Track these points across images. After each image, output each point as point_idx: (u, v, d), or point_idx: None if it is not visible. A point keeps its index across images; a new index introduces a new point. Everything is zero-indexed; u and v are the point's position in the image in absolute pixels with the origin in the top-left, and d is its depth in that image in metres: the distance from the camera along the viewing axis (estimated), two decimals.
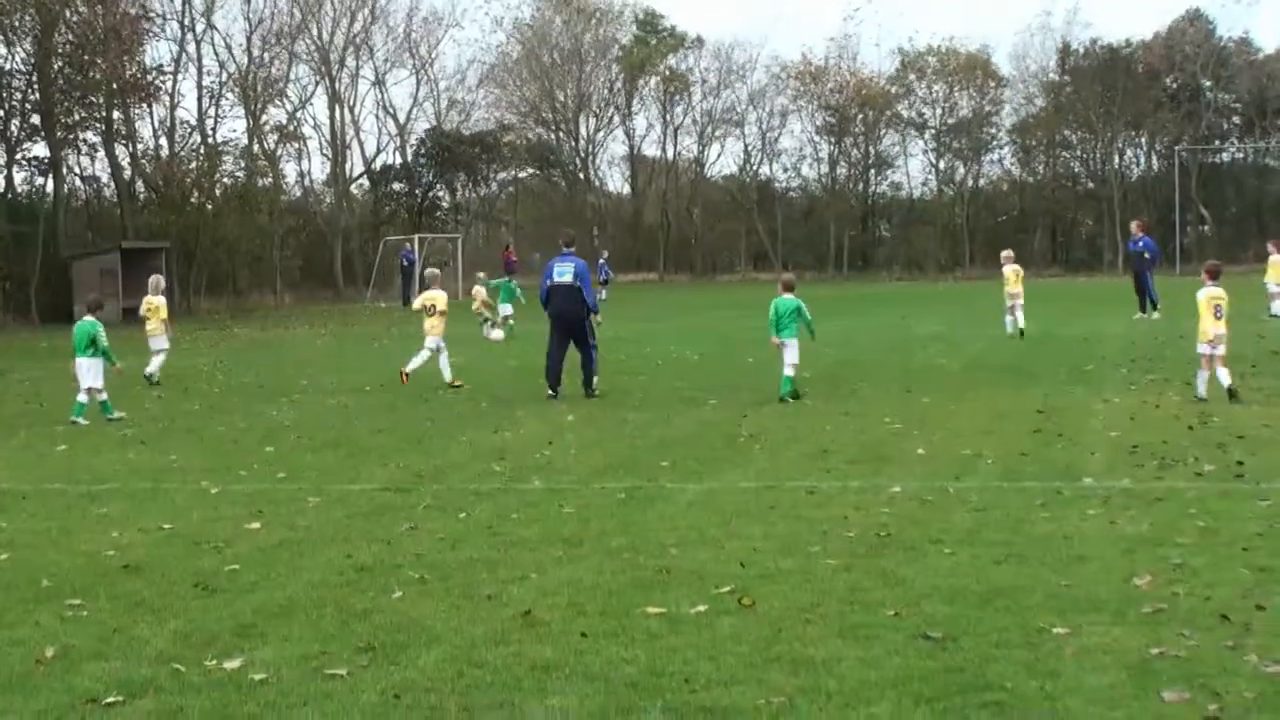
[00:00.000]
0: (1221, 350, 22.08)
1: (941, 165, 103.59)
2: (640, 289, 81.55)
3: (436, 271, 30.48)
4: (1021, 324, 34.96)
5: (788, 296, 23.79)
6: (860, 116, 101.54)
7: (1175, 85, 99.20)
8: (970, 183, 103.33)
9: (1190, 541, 11.75)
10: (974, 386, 24.68)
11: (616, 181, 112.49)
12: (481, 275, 34.59)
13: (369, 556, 12.00)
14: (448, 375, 27.21)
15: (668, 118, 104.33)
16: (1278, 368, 26.39)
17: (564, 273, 24.99)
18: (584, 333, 24.99)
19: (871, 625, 9.39)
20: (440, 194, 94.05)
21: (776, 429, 19.70)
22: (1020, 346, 32.54)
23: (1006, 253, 39.90)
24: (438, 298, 28.27)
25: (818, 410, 21.79)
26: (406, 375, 27.39)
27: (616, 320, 47.33)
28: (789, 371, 23.46)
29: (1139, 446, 17.15)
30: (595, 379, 25.04)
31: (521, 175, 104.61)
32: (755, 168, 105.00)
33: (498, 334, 37.09)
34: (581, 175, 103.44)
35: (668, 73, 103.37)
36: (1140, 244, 44.59)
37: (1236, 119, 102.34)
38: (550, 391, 24.80)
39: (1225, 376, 21.89)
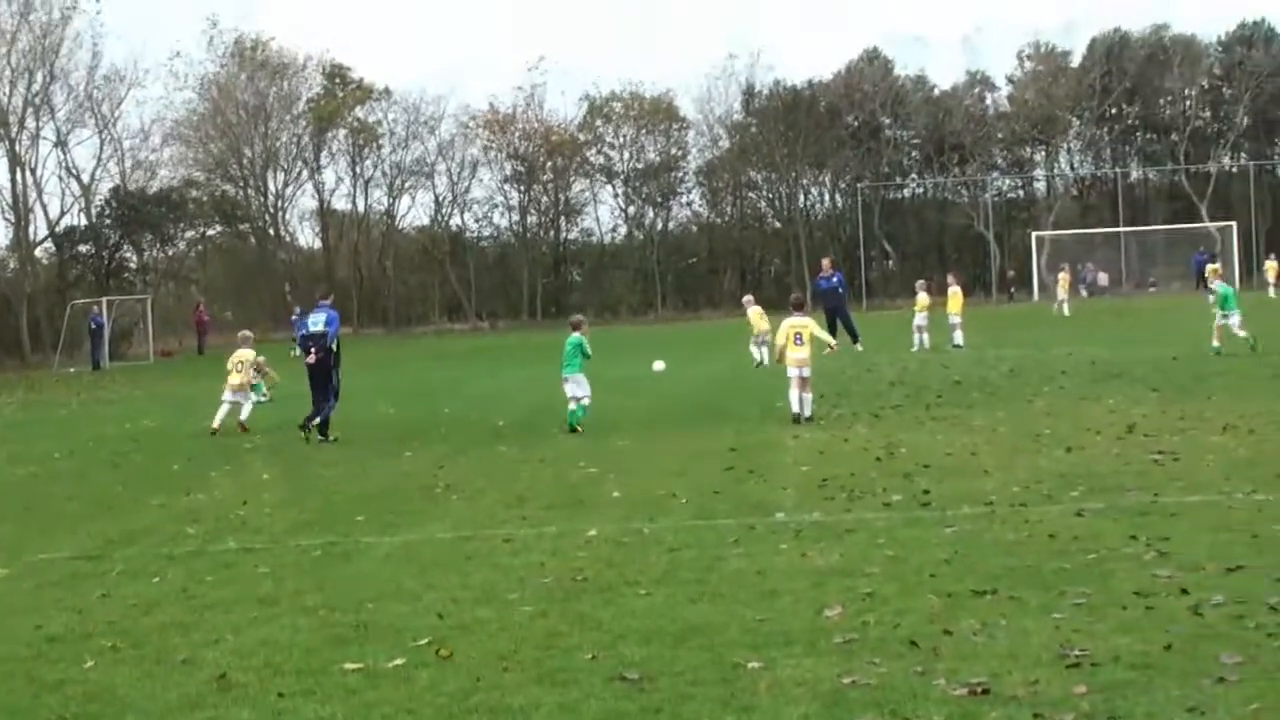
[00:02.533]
0: (808, 373, 25.00)
1: (631, 210, 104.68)
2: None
3: (248, 334, 33.15)
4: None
5: (575, 335, 25.41)
6: (549, 164, 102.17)
7: (856, 123, 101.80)
8: (660, 226, 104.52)
9: (879, 571, 12.02)
10: (668, 427, 24.98)
11: (308, 236, 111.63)
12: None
13: (60, 626, 11.73)
14: (244, 415, 29.34)
15: (357, 170, 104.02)
16: (961, 398, 27.14)
17: (316, 322, 26.71)
18: (327, 379, 26.36)
19: (569, 669, 9.44)
20: (128, 254, 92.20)
21: (473, 478, 19.71)
22: (713, 386, 33.01)
23: (748, 297, 41.66)
24: (245, 355, 30.62)
25: (513, 457, 21.86)
26: (244, 426, 29.09)
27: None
28: (571, 405, 25.13)
29: (829, 480, 17.52)
30: (323, 423, 26.18)
31: (209, 232, 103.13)
32: (446, 218, 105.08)
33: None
34: (271, 231, 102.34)
35: (356, 124, 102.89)
36: (835, 280, 45.62)
37: (915, 155, 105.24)
38: (302, 433, 26.25)
39: (807, 398, 24.92)
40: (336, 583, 12.89)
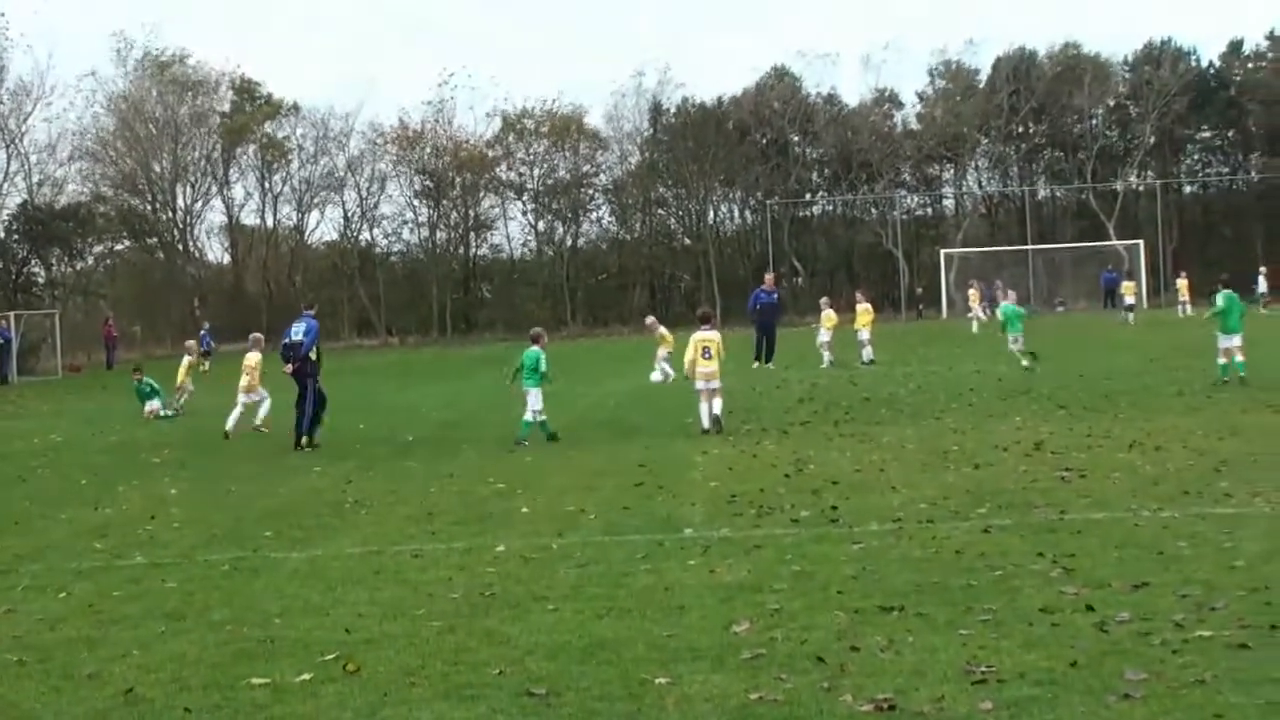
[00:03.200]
0: (716, 385, 25.80)
1: (541, 226, 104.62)
2: (243, 358, 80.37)
3: (259, 337, 34.87)
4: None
5: (533, 349, 25.89)
6: (458, 180, 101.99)
7: (765, 141, 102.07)
8: (570, 242, 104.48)
9: (787, 587, 12.05)
10: (577, 443, 24.98)
11: (216, 251, 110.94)
12: (257, 337, 34.59)
13: None
14: (259, 416, 31.17)
15: (266, 186, 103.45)
16: (869, 415, 27.27)
17: (296, 331, 27.63)
18: (306, 387, 27.05)
19: (476, 685, 9.42)
20: (35, 269, 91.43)
21: (381, 493, 19.64)
22: (623, 402, 33.03)
23: (650, 319, 42.11)
24: (251, 359, 32.58)
25: (422, 473, 21.79)
26: (260, 428, 30.72)
27: (219, 391, 46.56)
28: (528, 416, 25.40)
29: (737, 495, 17.56)
30: (307, 433, 26.86)
31: (118, 247, 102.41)
32: (356, 234, 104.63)
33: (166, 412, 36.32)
34: (180, 246, 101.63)
35: (265, 140, 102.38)
36: (775, 296, 45.99)
37: (824, 172, 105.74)
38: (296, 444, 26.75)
39: (716, 409, 25.57)
40: (244, 598, 12.80)
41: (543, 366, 25.70)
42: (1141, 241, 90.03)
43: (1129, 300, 68.30)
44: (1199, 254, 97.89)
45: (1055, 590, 11.37)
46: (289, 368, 27.23)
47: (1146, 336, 50.13)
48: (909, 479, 18.38)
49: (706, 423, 25.45)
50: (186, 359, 37.26)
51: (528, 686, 9.28)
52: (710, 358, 25.88)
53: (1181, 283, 72.48)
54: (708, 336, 26.18)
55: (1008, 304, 41.19)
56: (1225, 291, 31.08)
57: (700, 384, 25.91)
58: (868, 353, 44.04)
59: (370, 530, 16.59)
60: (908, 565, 12.72)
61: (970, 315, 64.68)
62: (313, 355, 27.05)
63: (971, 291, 68.27)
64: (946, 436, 23.04)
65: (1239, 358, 30.13)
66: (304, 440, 26.59)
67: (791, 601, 11.45)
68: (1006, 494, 16.70)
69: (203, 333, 69.91)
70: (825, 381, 37.28)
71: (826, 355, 43.74)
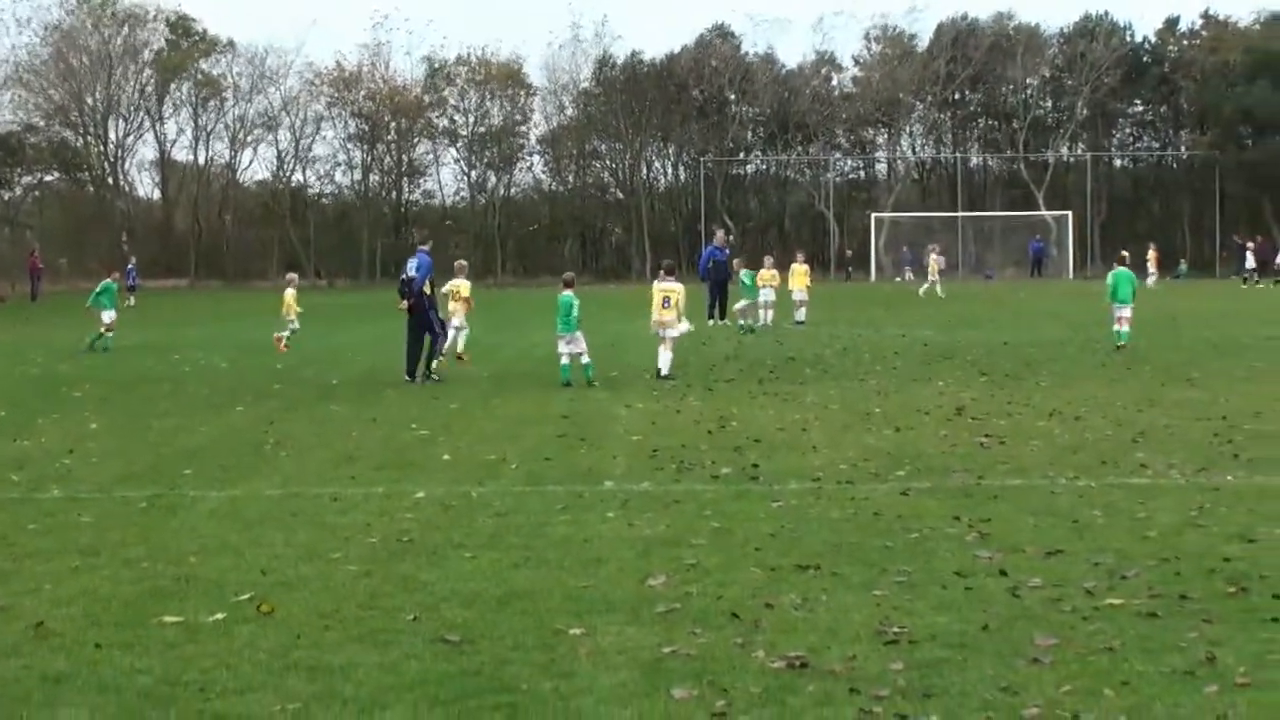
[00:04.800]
0: (674, 334, 27.13)
1: (474, 174, 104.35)
2: (170, 295, 79.95)
3: (464, 263, 35.00)
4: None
5: (566, 293, 26.37)
6: (393, 124, 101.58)
7: (703, 98, 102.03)
8: (502, 192, 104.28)
9: (705, 542, 12.08)
10: (501, 392, 24.95)
11: (147, 187, 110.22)
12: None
13: None
14: (460, 347, 31.62)
15: (200, 122, 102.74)
16: (794, 374, 27.35)
17: (411, 267, 27.56)
18: (426, 320, 27.09)
19: (390, 630, 9.41)
20: None
21: (303, 435, 19.57)
22: (547, 353, 32.97)
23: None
24: (462, 285, 32.86)
25: (345, 416, 21.73)
26: (462, 358, 31.25)
27: (144, 327, 46.35)
28: (565, 360, 26.02)
29: (659, 450, 17.59)
30: (434, 363, 27.24)
31: (47, 179, 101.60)
32: (289, 174, 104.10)
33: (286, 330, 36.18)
34: (110, 180, 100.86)
35: (201, 77, 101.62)
36: (726, 253, 46.09)
37: (760, 132, 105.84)
38: (406, 378, 26.88)
39: (666, 360, 26.77)
40: (160, 535, 12.74)
41: (575, 311, 26.15)
42: (1070, 213, 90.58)
43: (1151, 270, 69.01)
44: (1127, 227, 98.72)
45: (970, 554, 11.44)
46: (405, 304, 27.28)
47: (1072, 307, 50.41)
48: (830, 439, 18.45)
49: (661, 366, 26.77)
50: (291, 290, 37.22)
51: (442, 633, 9.28)
52: (669, 307, 27.13)
53: (1151, 254, 72.71)
54: (669, 287, 27.49)
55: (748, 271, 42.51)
56: (1117, 270, 33.12)
57: (659, 331, 27.20)
58: (802, 313, 44.15)
59: (290, 472, 16.53)
60: (825, 525, 12.77)
61: (931, 280, 64.61)
62: (427, 289, 26.96)
63: (932, 258, 68.17)
64: (869, 399, 23.13)
65: (1125, 328, 31.98)
66: (429, 370, 26.96)
67: (709, 557, 11.47)
68: (926, 458, 16.79)
69: (129, 268, 69.46)
70: (751, 340, 37.37)
71: (765, 316, 43.75)
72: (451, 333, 31.17)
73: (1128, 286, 32.40)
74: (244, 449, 18.45)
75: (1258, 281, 71.73)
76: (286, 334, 35.75)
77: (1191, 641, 8.90)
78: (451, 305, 32.08)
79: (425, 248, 28.23)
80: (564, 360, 25.96)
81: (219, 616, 9.80)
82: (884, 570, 10.93)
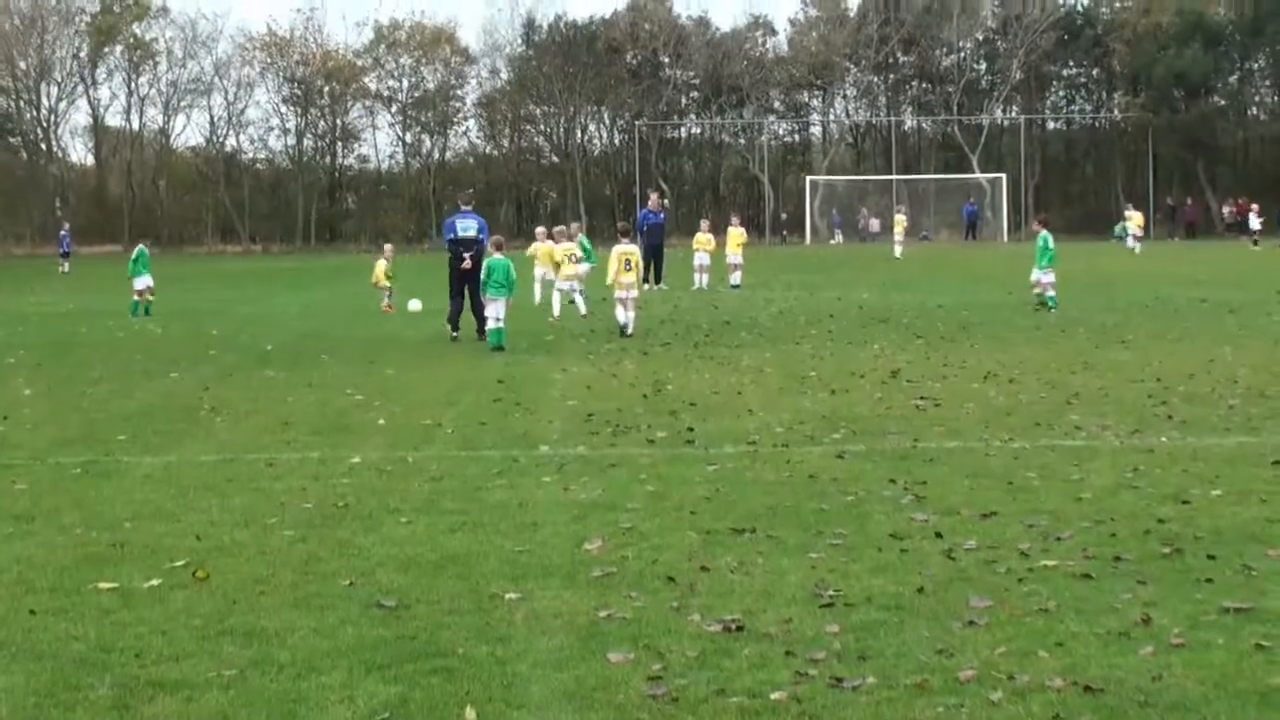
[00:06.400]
0: (634, 294, 28.64)
1: (409, 138, 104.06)
2: (104, 261, 79.35)
3: (577, 225, 37.92)
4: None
5: (497, 256, 26.75)
6: (326, 89, 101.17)
7: (637, 62, 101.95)
8: (437, 155, 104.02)
9: (640, 506, 12.08)
10: (436, 357, 24.94)
11: (80, 152, 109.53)
12: (389, 247, 35.05)
13: None
14: (581, 310, 33.00)
15: (133, 88, 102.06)
16: (729, 338, 27.40)
17: (468, 228, 28.23)
18: (478, 277, 27.09)
19: (326, 595, 9.39)
20: None
21: (238, 401, 19.47)
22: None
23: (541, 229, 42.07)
24: (573, 248, 35.13)
25: (280, 381, 21.65)
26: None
27: (78, 294, 46.10)
28: (494, 324, 26.21)
29: (595, 414, 17.58)
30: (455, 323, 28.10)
31: None
32: (222, 139, 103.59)
33: (413, 304, 35.96)
34: (44, 145, 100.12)
35: (133, 41, 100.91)
36: (661, 217, 46.20)
37: (694, 95, 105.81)
38: (454, 334, 27.97)
39: (630, 318, 28.32)
40: (95, 502, 12.67)
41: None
42: (1004, 175, 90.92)
43: (1136, 231, 68.59)
44: (1060, 189, 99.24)
45: (905, 517, 11.49)
46: (468, 263, 27.66)
47: (1006, 270, 50.59)
48: (766, 403, 18.48)
49: (622, 320, 28.27)
50: (383, 261, 37.23)
51: (378, 598, 9.26)
52: (630, 269, 28.48)
53: (1134, 215, 71.53)
54: (628, 249, 29.00)
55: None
56: (1044, 233, 33.98)
57: (621, 293, 28.33)
58: (737, 276, 44.19)
59: (225, 438, 16.45)
60: (761, 488, 12.80)
61: (897, 241, 64.86)
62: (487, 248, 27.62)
63: (898, 217, 68.31)
64: (805, 362, 23.18)
65: (1050, 292, 33.04)
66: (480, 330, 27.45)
67: (644, 521, 11.48)
68: (861, 420, 16.83)
69: (63, 234, 68.99)
70: (687, 303, 37.40)
71: (700, 279, 43.84)
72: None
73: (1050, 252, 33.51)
74: (179, 415, 18.35)
75: (1256, 242, 70.50)
76: (385, 299, 36.43)
77: (1126, 603, 8.96)
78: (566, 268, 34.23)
79: (471, 207, 29.20)
80: (496, 324, 26.09)
81: (154, 583, 9.76)
82: (819, 533, 10.97)
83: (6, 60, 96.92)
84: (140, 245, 38.15)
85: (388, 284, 36.68)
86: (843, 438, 15.63)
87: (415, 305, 35.34)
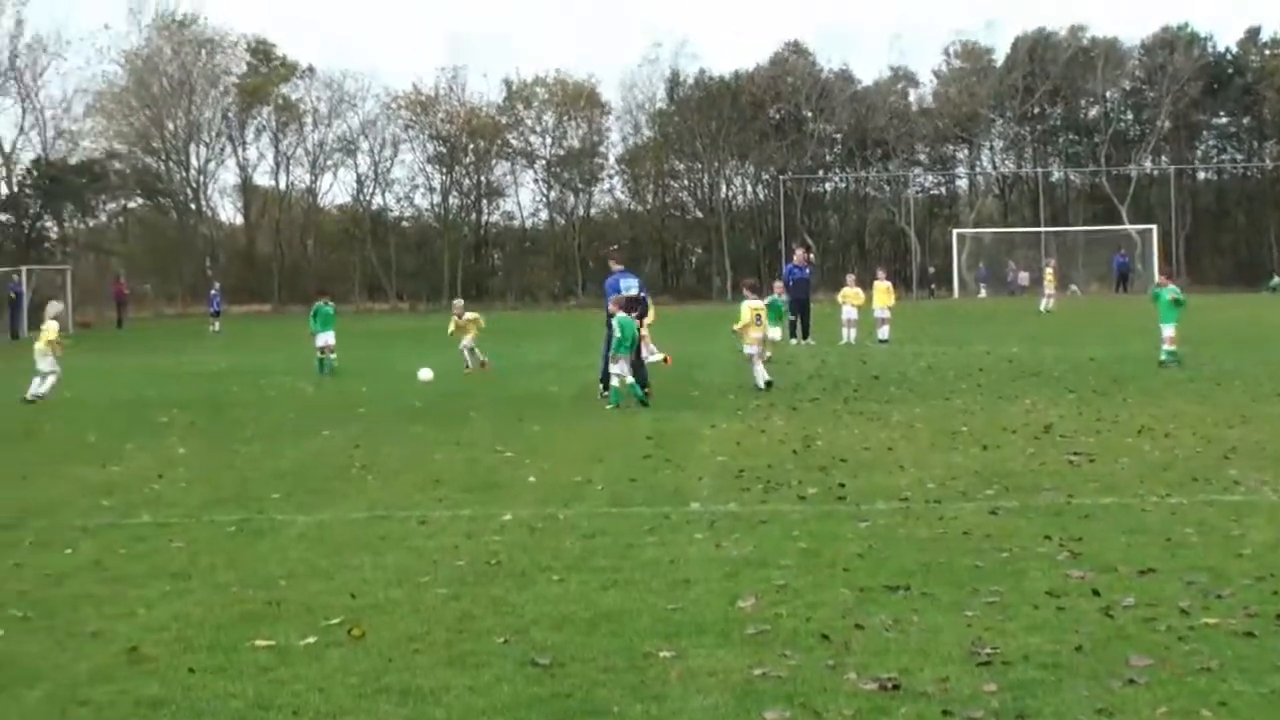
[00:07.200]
0: (768, 352, 29.22)
1: (552, 195, 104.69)
2: (254, 320, 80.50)
3: (752, 280, 34.48)
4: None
5: (624, 315, 26.46)
6: (471, 146, 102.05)
7: (779, 116, 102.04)
8: (581, 212, 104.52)
9: (793, 563, 12.02)
10: (585, 414, 24.99)
11: (229, 211, 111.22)
12: (459, 302, 34.77)
13: None
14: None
15: (280, 147, 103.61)
16: (879, 393, 27.24)
17: (631, 286, 27.87)
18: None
19: (480, 653, 9.41)
20: (48, 224, 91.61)
21: (389, 459, 19.62)
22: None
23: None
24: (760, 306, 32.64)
25: (430, 439, 21.77)
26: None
27: (229, 352, 46.72)
28: (631, 379, 26.10)
29: (745, 471, 17.53)
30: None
31: (131, 205, 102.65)
32: (368, 197, 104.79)
33: (424, 373, 35.47)
34: (193, 205, 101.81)
35: (280, 102, 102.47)
36: (807, 272, 46.04)
37: (838, 149, 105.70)
38: (644, 395, 26.51)
39: (763, 374, 28.19)
40: (249, 559, 12.80)
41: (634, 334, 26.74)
42: (1154, 226, 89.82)
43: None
44: (1212, 240, 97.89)
45: (1061, 573, 11.34)
46: (640, 321, 27.65)
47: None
48: (917, 458, 18.35)
49: (761, 380, 28.14)
50: (458, 319, 36.87)
51: (532, 656, 9.26)
52: (762, 323, 28.83)
53: (1048, 273, 68.18)
54: (760, 305, 29.35)
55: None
56: (1172, 285, 33.62)
57: (754, 349, 28.49)
58: (885, 331, 43.99)
59: (377, 495, 16.57)
60: (914, 545, 12.70)
61: (1046, 296, 64.24)
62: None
63: (1048, 271, 67.67)
64: (955, 417, 23.01)
65: (1169, 346, 32.14)
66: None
67: (797, 578, 11.42)
68: (1014, 476, 16.67)
69: (213, 293, 70.02)
70: (835, 359, 37.26)
71: (848, 333, 43.69)
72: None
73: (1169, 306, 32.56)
74: (330, 473, 18.53)
75: None
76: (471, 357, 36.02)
77: None
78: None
79: (623, 267, 28.70)
80: (630, 379, 26.10)
81: (310, 640, 9.83)
82: (975, 590, 10.85)
83: (156, 122, 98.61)
84: (318, 302, 38.05)
85: (470, 342, 36.14)
86: (996, 494, 15.47)
87: (426, 375, 32.85)
